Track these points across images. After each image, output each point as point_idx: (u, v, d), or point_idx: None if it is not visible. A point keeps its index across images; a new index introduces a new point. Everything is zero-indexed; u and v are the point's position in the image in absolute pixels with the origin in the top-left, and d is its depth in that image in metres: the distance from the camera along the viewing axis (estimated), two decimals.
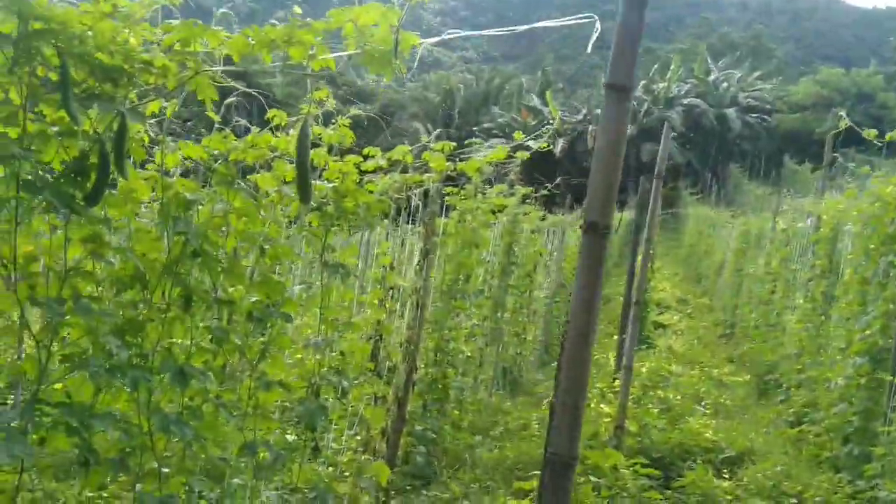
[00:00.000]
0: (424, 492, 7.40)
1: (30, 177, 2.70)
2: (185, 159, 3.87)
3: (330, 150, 4.52)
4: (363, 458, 5.86)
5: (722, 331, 19.54)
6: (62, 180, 2.82)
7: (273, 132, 4.15)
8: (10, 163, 2.62)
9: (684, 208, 41.25)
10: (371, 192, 5.15)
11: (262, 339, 4.11)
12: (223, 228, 3.95)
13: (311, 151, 4.06)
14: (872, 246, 8.15)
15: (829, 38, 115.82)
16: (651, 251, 9.93)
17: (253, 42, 3.03)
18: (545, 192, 9.64)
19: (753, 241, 18.33)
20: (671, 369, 13.46)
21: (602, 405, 8.37)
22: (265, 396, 4.02)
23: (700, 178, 46.08)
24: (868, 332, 7.80)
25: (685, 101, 48.76)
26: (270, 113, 4.22)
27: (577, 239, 20.41)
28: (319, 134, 4.32)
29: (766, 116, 51.97)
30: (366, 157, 4.99)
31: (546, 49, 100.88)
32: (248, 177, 4.24)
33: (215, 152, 3.96)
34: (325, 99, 4.11)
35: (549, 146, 7.01)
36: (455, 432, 9.06)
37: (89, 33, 2.73)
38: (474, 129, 46.52)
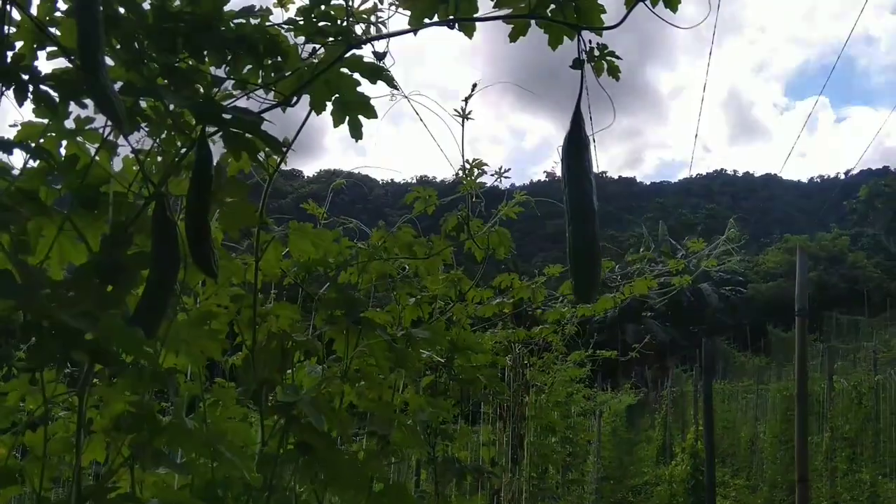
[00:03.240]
0: None
1: None
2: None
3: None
4: None
5: None
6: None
7: None
8: None
9: (680, 386, 39.59)
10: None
11: None
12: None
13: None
14: None
15: (773, 212, 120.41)
16: None
17: None
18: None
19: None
20: None
21: None
22: None
23: (687, 354, 44.83)
24: None
25: (660, 281, 48.48)
26: None
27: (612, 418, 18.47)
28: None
29: (740, 288, 51.89)
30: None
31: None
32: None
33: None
34: None
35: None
36: None
37: None
38: None
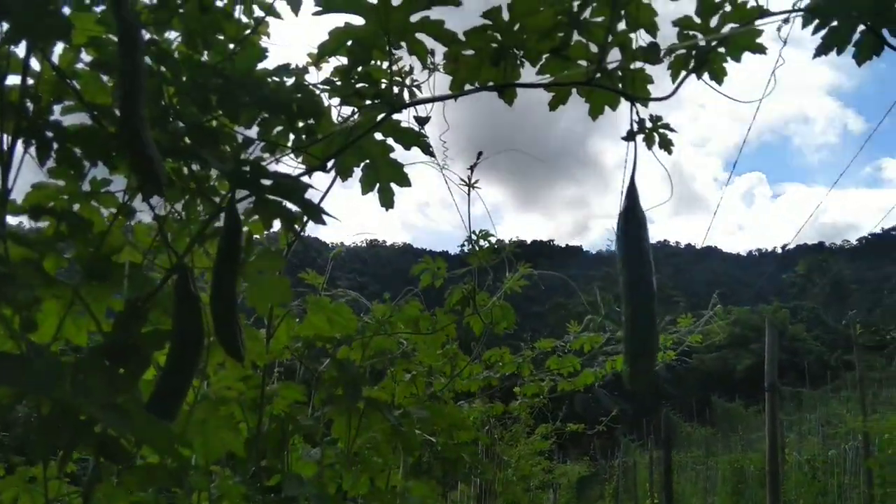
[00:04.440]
0: None
1: None
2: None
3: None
4: None
5: None
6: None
7: None
8: None
9: (629, 456, 39.38)
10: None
11: None
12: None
13: None
14: None
15: (714, 284, 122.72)
16: None
17: None
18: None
19: (754, 480, 16.55)
20: None
21: None
22: None
23: (635, 424, 44.80)
24: None
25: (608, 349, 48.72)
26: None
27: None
28: None
29: (686, 358, 52.33)
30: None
31: None
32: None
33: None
34: None
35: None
36: None
37: None
38: None
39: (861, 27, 1.82)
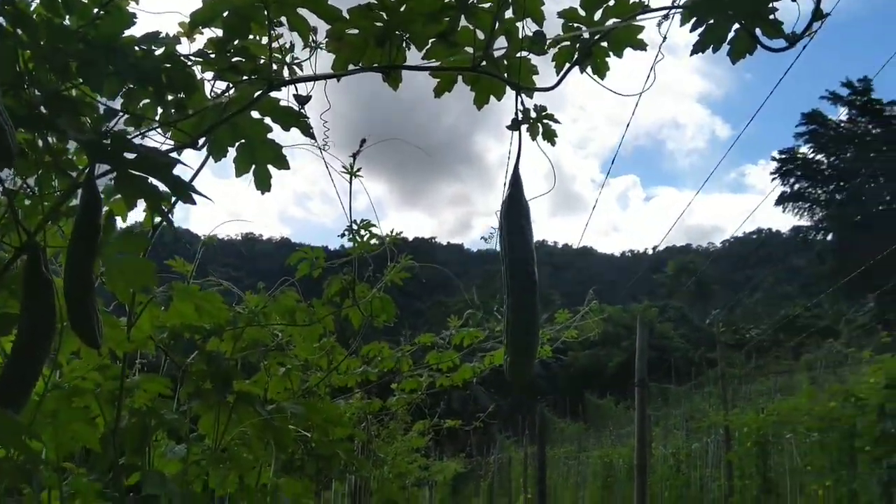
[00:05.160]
0: None
1: None
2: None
3: None
4: None
5: None
6: None
7: None
8: None
9: (504, 452, 40.02)
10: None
11: None
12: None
13: None
14: (866, 448, 7.05)
15: (588, 283, 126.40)
16: None
17: None
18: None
19: (623, 473, 17.11)
20: None
21: None
22: None
23: (510, 420, 45.60)
24: None
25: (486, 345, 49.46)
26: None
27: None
28: None
29: (560, 355, 53.77)
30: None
31: None
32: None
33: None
34: None
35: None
36: None
37: None
38: None
39: (736, 26, 1.87)
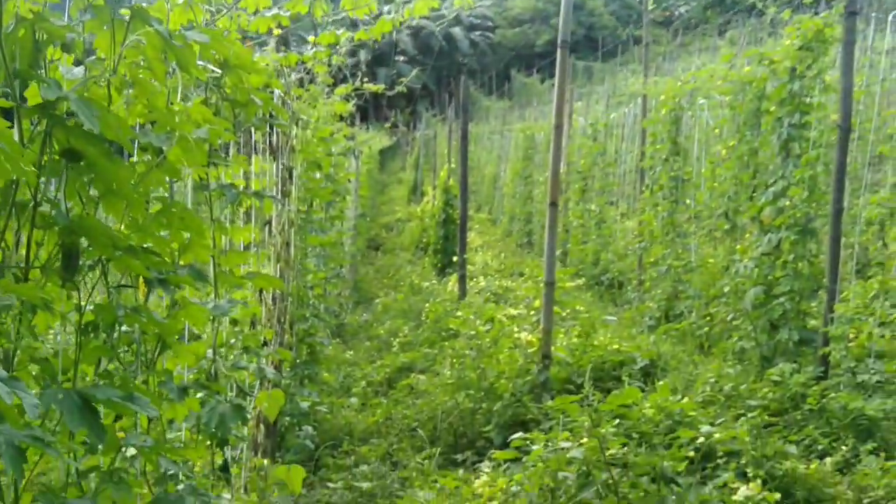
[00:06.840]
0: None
1: None
2: None
3: None
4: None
5: (518, 241, 19.04)
6: None
7: None
8: None
9: (430, 129, 40.75)
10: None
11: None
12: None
13: None
14: (772, 108, 7.34)
15: None
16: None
17: None
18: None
19: (544, 146, 17.71)
20: (505, 285, 12.53)
21: (521, 334, 7.00)
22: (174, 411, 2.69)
23: (436, 99, 45.88)
24: (784, 203, 7.08)
25: (413, 23, 48.27)
26: None
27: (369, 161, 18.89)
28: None
29: (489, 33, 52.94)
30: None
31: None
32: None
33: None
34: None
35: None
36: (327, 398, 7.48)
37: None
38: None
39: None
